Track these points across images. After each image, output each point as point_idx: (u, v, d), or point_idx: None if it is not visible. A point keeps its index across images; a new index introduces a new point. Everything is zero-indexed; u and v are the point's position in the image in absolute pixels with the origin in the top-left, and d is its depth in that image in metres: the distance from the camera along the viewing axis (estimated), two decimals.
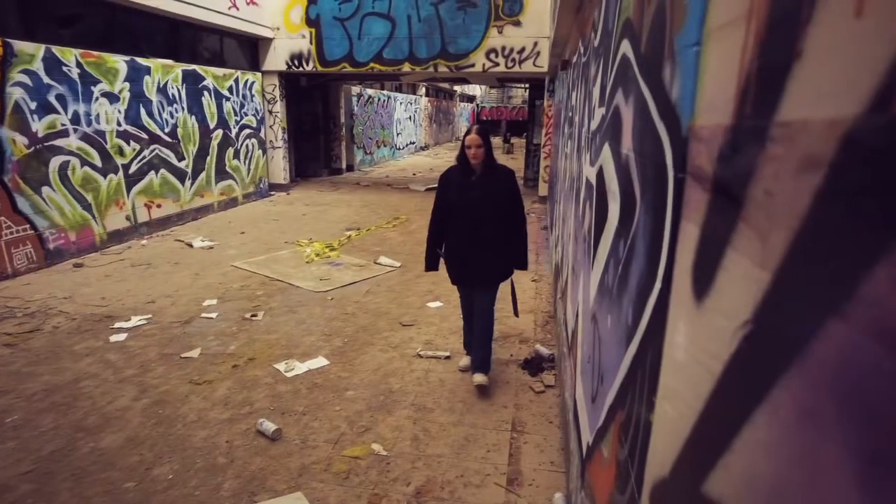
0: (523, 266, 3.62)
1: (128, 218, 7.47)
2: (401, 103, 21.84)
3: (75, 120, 6.48)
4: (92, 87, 6.71)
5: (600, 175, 2.12)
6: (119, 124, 7.20)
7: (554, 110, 9.09)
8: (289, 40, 11.10)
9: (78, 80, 6.49)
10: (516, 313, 3.88)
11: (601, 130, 2.17)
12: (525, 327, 4.65)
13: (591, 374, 1.97)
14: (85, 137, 6.64)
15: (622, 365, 1.36)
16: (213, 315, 4.86)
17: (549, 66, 10.02)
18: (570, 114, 4.32)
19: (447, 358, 4.09)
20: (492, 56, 10.70)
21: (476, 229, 3.38)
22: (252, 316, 4.86)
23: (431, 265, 3.62)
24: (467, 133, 3.34)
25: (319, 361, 4.05)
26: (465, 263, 3.51)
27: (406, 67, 11.00)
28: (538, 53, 10.58)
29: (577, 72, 3.70)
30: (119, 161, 7.24)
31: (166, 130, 8.16)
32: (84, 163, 6.64)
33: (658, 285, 1.05)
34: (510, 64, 10.76)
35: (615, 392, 1.43)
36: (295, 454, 2.95)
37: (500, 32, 10.64)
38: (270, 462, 2.89)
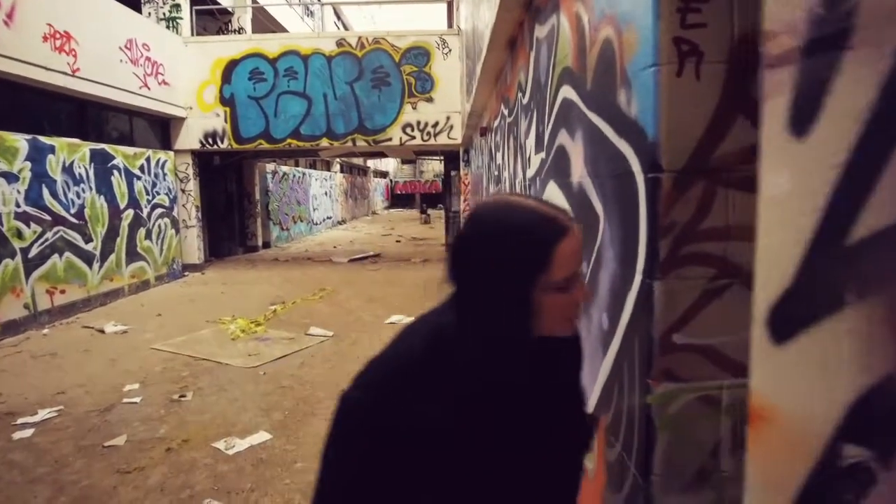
0: None
1: (26, 306, 6.80)
2: (316, 179, 21.98)
3: None
4: None
5: None
6: (18, 205, 6.69)
7: (472, 177, 9.56)
8: (202, 119, 11.01)
9: None
10: None
11: (542, 173, 2.36)
12: None
13: None
14: None
15: (601, 369, 1.45)
16: (137, 400, 4.46)
17: (463, 138, 10.63)
18: (497, 172, 4.60)
19: None
20: (408, 130, 11.18)
21: None
22: (180, 397, 4.51)
23: None
24: (554, 227, 0.78)
25: (261, 436, 3.81)
26: None
27: (324, 142, 11.21)
28: (451, 127, 11.20)
29: (503, 132, 3.99)
30: (17, 245, 6.67)
31: (72, 211, 7.67)
32: None
33: (638, 277, 1.17)
34: (426, 137, 11.28)
35: (596, 397, 1.51)
36: None
37: (414, 108, 11.20)
38: None
